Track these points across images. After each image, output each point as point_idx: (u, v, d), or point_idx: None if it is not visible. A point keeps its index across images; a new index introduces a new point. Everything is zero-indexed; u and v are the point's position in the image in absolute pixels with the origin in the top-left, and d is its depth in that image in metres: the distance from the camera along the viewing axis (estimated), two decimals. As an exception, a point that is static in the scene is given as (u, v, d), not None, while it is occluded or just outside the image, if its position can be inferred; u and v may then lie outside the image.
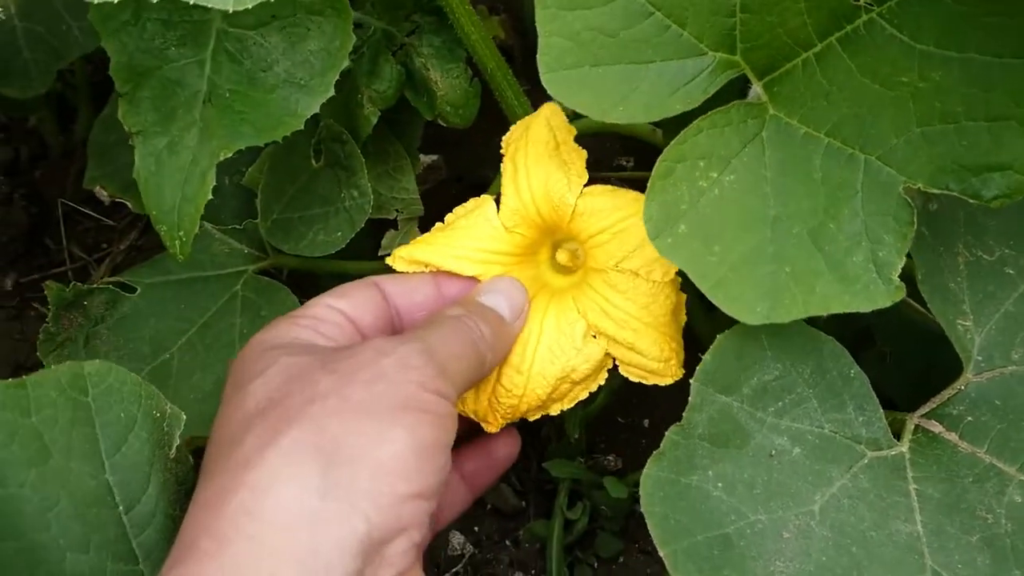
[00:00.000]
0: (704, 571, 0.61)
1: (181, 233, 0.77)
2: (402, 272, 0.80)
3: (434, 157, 1.19)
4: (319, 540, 0.56)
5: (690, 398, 0.65)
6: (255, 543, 0.56)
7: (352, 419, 0.60)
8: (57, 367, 0.67)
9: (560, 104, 0.72)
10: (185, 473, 0.70)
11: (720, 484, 0.64)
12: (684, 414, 0.65)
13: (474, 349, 0.71)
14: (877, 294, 0.63)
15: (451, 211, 0.89)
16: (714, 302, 0.64)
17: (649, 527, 0.61)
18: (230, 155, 0.76)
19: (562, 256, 0.81)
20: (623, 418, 1.10)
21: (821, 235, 0.65)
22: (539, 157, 0.79)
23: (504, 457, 0.86)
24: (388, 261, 0.82)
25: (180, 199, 0.78)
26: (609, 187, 0.78)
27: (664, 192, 0.67)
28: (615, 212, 0.77)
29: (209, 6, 0.61)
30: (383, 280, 0.78)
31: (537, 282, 0.82)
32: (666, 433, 0.64)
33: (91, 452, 0.66)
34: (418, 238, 0.83)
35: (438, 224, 0.84)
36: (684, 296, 0.76)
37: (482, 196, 0.83)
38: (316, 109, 0.78)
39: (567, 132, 0.79)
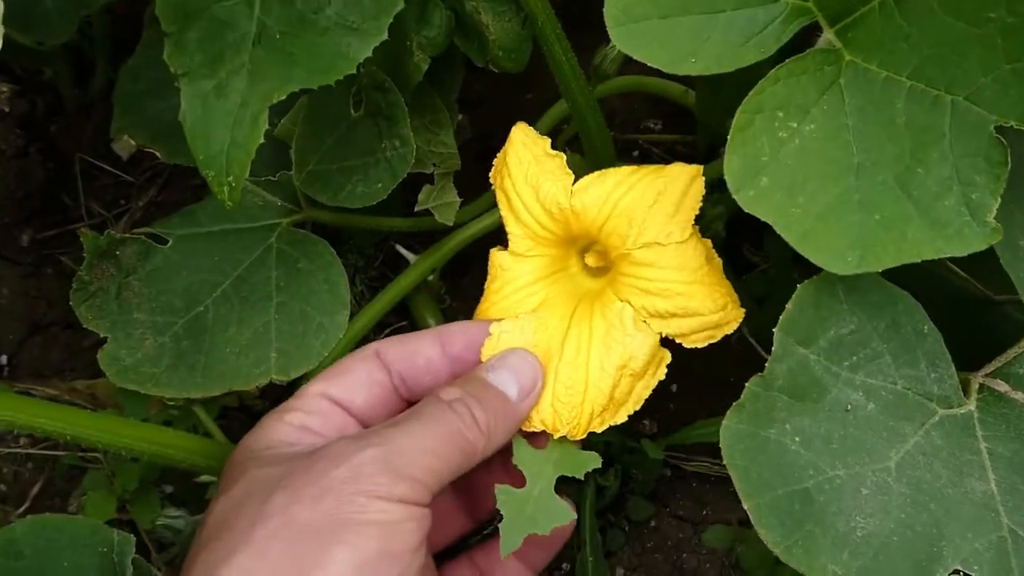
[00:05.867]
0: (787, 525, 0.61)
1: (230, 179, 0.75)
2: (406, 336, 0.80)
3: (459, 117, 1.17)
4: None
5: (773, 348, 0.64)
6: None
7: (294, 542, 0.62)
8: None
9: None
10: None
11: (798, 438, 0.63)
12: (767, 364, 0.64)
13: (456, 440, 0.70)
14: (971, 237, 0.62)
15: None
16: (802, 254, 0.63)
17: (733, 480, 0.60)
18: (283, 98, 0.73)
19: (591, 259, 0.82)
20: (653, 383, 1.08)
21: (909, 180, 0.63)
22: (522, 176, 0.80)
23: (556, 536, 0.80)
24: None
25: (229, 143, 0.75)
26: (595, 174, 0.78)
27: (744, 145, 0.66)
28: (610, 195, 0.76)
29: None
30: (384, 346, 0.79)
31: (577, 292, 0.82)
32: (746, 384, 0.64)
33: None
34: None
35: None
36: (708, 240, 0.75)
37: (490, 251, 0.84)
38: (369, 53, 0.75)
39: (541, 144, 0.80)
